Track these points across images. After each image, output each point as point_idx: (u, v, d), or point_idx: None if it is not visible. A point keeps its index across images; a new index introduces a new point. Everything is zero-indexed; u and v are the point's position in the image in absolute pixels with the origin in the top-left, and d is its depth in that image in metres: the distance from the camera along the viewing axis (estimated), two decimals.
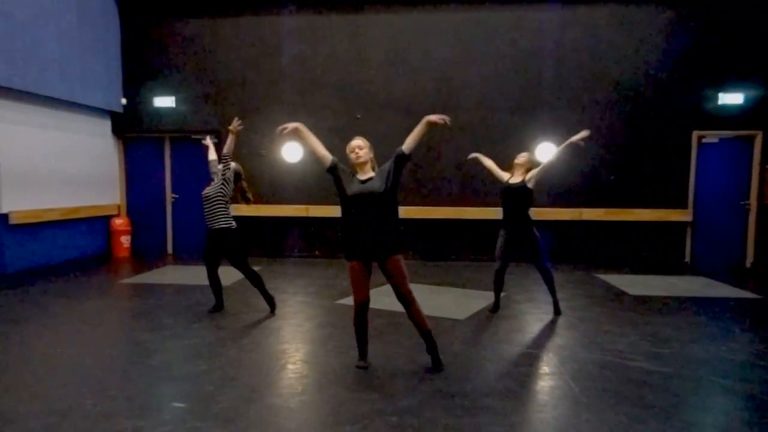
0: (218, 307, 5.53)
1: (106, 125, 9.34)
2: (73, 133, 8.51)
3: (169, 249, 9.68)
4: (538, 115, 8.75)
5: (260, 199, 9.04)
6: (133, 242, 9.44)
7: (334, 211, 8.72)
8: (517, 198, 5.35)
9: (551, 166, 5.33)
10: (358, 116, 8.80)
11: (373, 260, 3.77)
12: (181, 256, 9.25)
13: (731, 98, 8.52)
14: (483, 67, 8.83)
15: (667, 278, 7.55)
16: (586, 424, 3.05)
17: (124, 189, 9.68)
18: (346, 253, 3.81)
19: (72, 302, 5.88)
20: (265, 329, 4.96)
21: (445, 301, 6.10)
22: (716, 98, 8.56)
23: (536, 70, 8.77)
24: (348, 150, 3.82)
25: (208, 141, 5.79)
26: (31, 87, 7.38)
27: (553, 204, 8.72)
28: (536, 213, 5.55)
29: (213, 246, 5.34)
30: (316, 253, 9.27)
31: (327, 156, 3.85)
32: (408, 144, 3.73)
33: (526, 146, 7.87)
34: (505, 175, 5.58)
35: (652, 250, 8.82)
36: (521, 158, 5.49)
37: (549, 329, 5.03)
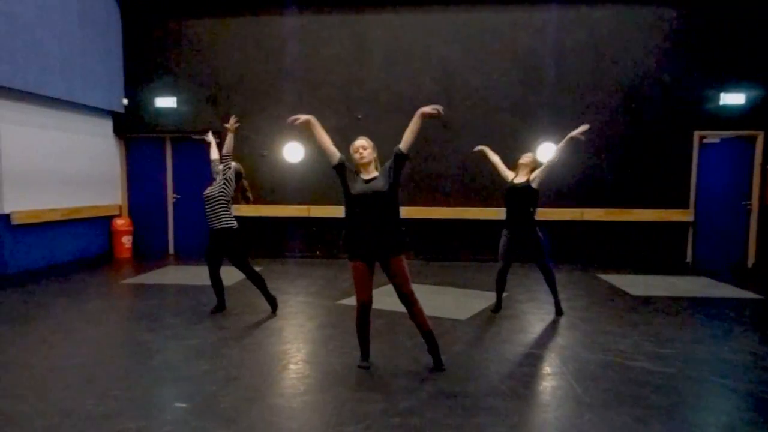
0: (220, 307, 5.53)
1: (108, 125, 9.35)
2: (74, 133, 8.52)
3: (171, 249, 9.69)
4: (539, 115, 8.75)
5: (261, 200, 9.06)
6: (134, 242, 9.45)
7: (336, 211, 8.78)
8: (521, 198, 5.35)
9: (554, 165, 5.33)
10: (359, 116, 8.81)
11: (377, 260, 3.77)
12: (183, 257, 9.26)
13: (732, 98, 8.53)
14: (484, 67, 8.83)
15: (668, 278, 7.55)
16: (588, 424, 3.05)
17: (125, 189, 9.69)
18: (349, 253, 3.81)
19: (74, 302, 5.88)
20: (267, 329, 4.97)
21: (447, 302, 6.10)
22: (717, 98, 8.57)
23: (537, 70, 8.77)
24: (352, 150, 3.81)
25: (210, 137, 5.79)
26: (33, 87, 7.38)
27: (555, 204, 8.71)
28: (537, 213, 5.55)
29: (215, 246, 5.34)
30: (317, 253, 9.27)
31: (335, 153, 3.83)
32: (405, 141, 3.73)
33: (527, 146, 7.87)
34: (509, 174, 5.58)
35: (653, 250, 8.81)
36: (526, 158, 5.49)
37: (551, 329, 5.03)
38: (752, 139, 8.66)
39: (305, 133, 3.92)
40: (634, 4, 8.59)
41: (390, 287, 3.92)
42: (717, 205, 8.77)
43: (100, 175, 9.14)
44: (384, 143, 3.93)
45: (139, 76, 9.36)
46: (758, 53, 8.44)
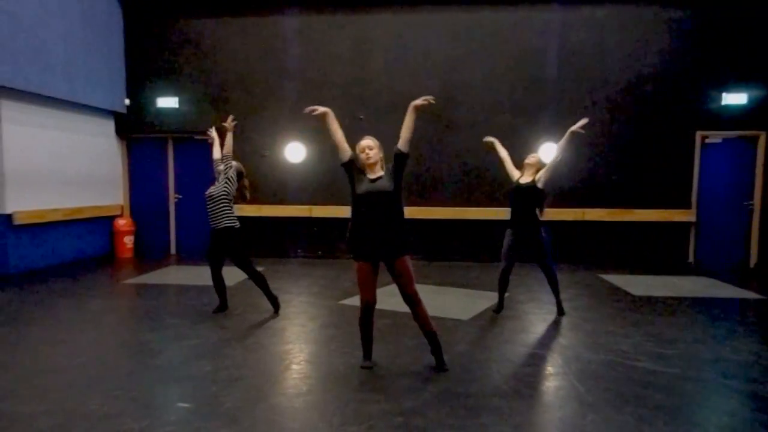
0: (222, 307, 5.53)
1: (110, 126, 9.36)
2: (76, 133, 8.53)
3: (172, 249, 9.69)
4: (541, 115, 8.75)
5: (263, 200, 9.06)
6: (136, 243, 9.46)
7: (338, 211, 8.79)
8: (527, 198, 5.35)
9: (558, 163, 5.33)
10: (361, 117, 8.81)
11: (382, 260, 3.77)
12: (184, 257, 9.26)
13: (735, 98, 8.52)
14: (486, 67, 8.83)
15: (670, 278, 7.54)
16: (591, 424, 3.04)
17: (127, 189, 9.70)
18: (354, 253, 3.81)
19: (75, 303, 5.89)
20: (269, 329, 4.97)
21: (449, 302, 6.10)
22: (720, 98, 8.56)
23: (539, 70, 8.76)
24: (358, 150, 3.81)
25: (213, 134, 5.79)
26: (35, 87, 7.39)
27: (556, 204, 8.70)
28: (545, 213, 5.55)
29: (217, 246, 5.34)
30: (319, 253, 9.27)
31: (347, 150, 3.82)
32: (402, 139, 3.73)
33: (529, 146, 7.88)
34: (515, 174, 5.58)
35: (655, 250, 8.81)
36: (532, 158, 5.50)
37: (553, 330, 5.03)
38: (754, 140, 8.65)
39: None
40: (637, 3, 8.58)
41: (392, 287, 3.92)
42: (719, 205, 8.76)
43: (102, 176, 9.15)
44: (385, 143, 3.93)
45: (141, 76, 9.37)
46: (760, 53, 8.43)
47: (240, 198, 5.63)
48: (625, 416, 3.14)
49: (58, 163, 8.13)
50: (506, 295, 5.72)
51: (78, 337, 4.71)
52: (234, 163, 5.47)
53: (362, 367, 3.89)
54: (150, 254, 9.44)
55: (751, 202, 8.72)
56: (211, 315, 5.39)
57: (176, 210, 9.67)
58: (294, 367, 3.99)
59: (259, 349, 4.41)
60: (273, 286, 5.67)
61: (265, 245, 9.22)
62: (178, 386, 3.65)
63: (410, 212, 8.43)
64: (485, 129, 8.74)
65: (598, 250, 8.87)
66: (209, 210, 5.31)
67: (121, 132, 9.51)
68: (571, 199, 8.79)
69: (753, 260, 8.73)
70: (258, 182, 8.54)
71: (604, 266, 8.39)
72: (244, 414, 3.16)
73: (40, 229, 7.74)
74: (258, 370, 3.90)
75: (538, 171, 5.40)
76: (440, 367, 3.87)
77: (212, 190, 5.35)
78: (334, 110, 3.91)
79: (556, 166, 5.36)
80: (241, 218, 5.58)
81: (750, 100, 8.51)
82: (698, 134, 8.69)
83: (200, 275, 7.04)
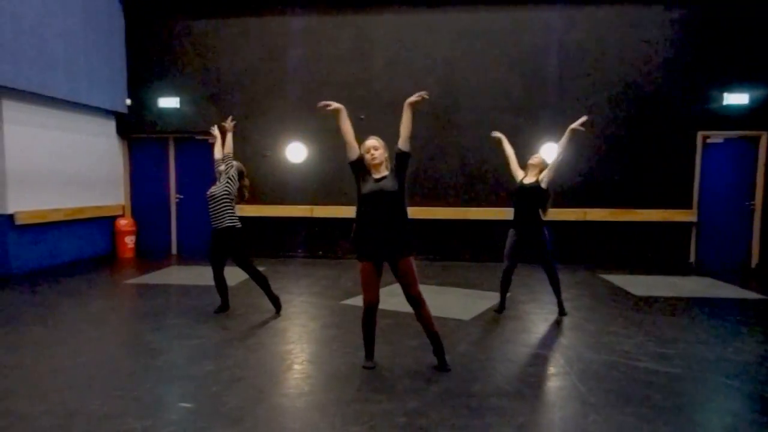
0: (224, 307, 5.53)
1: (111, 126, 9.36)
2: (77, 133, 8.53)
3: (174, 249, 9.70)
4: (542, 115, 8.74)
5: (264, 200, 9.06)
6: (137, 243, 9.47)
7: (339, 211, 8.79)
8: (530, 198, 5.36)
9: (560, 162, 5.35)
10: (362, 117, 8.79)
11: (386, 260, 3.77)
12: (186, 257, 9.27)
13: (736, 98, 8.50)
14: (487, 67, 8.82)
15: (671, 279, 7.54)
16: (593, 424, 3.04)
17: (128, 189, 9.70)
18: (358, 254, 3.81)
19: (77, 303, 5.89)
20: (271, 330, 4.97)
21: (450, 302, 6.10)
22: (721, 98, 8.54)
23: (540, 70, 8.76)
24: (363, 150, 3.80)
25: (216, 131, 5.79)
26: (36, 87, 7.40)
27: (558, 204, 8.68)
28: (549, 213, 5.54)
29: (218, 246, 5.34)
30: (320, 253, 9.27)
31: (356, 149, 3.81)
32: (402, 137, 3.74)
33: (530, 146, 7.87)
34: (519, 174, 5.59)
35: (656, 250, 8.80)
36: (535, 159, 5.51)
37: (554, 330, 5.03)
38: (756, 140, 8.64)
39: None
40: (638, 3, 8.58)
41: (394, 287, 3.92)
42: (720, 206, 8.75)
43: (104, 176, 9.15)
44: (387, 143, 3.93)
45: (143, 76, 9.37)
46: (762, 53, 8.42)
47: (239, 198, 5.64)
48: (626, 416, 3.14)
49: (60, 163, 8.14)
50: (508, 295, 5.72)
51: (79, 337, 4.71)
52: (235, 162, 5.47)
53: (364, 367, 3.89)
54: (151, 254, 9.45)
55: (752, 203, 8.71)
56: (213, 315, 5.39)
57: (177, 210, 9.68)
58: (296, 367, 3.99)
59: (260, 349, 4.41)
60: (274, 286, 5.67)
61: (267, 245, 9.22)
62: (180, 386, 3.65)
63: (411, 212, 8.41)
64: (486, 129, 8.72)
65: (599, 250, 8.86)
66: (211, 210, 5.31)
67: (122, 132, 9.52)
68: (572, 199, 8.78)
69: (754, 260, 8.72)
70: (259, 182, 8.54)
71: (606, 266, 8.38)
72: (246, 414, 3.16)
73: (41, 229, 7.75)
74: (260, 370, 3.90)
75: (541, 171, 5.41)
76: (442, 367, 3.87)
77: (214, 189, 5.35)
78: None
79: (559, 166, 5.37)
80: (242, 218, 5.58)
81: (752, 100, 8.50)
82: (699, 134, 8.68)
83: (201, 275, 7.04)
